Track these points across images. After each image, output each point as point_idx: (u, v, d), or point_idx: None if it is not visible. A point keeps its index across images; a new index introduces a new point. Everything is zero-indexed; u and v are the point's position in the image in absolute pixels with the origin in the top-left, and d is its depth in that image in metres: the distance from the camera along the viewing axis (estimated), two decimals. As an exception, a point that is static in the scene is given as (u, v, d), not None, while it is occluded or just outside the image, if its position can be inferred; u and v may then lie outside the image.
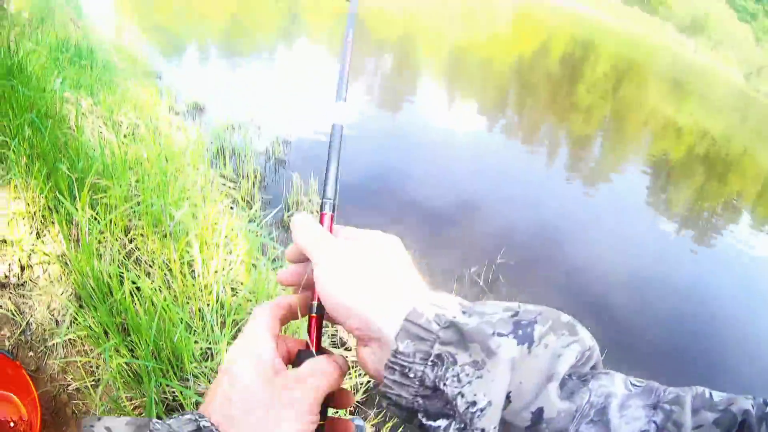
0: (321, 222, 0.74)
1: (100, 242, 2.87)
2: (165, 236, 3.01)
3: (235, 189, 5.36)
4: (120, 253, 2.86)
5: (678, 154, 14.53)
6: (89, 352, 2.55)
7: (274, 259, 3.69)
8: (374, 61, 14.52)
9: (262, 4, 18.94)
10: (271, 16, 17.12)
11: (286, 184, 5.54)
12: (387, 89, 12.01)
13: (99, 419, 0.55)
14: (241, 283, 3.22)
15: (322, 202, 0.76)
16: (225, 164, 5.72)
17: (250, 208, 4.69)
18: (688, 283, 7.41)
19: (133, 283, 2.50)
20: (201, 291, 2.84)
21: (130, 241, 3.07)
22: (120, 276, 2.55)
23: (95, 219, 2.93)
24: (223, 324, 2.74)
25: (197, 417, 0.61)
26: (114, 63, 7.56)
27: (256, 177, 5.70)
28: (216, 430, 0.60)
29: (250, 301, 3.07)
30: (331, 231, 0.74)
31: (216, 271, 2.99)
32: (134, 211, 3.13)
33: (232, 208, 4.31)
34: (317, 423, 0.66)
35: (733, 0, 61.96)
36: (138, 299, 2.44)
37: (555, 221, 7.49)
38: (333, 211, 0.76)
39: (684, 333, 6.13)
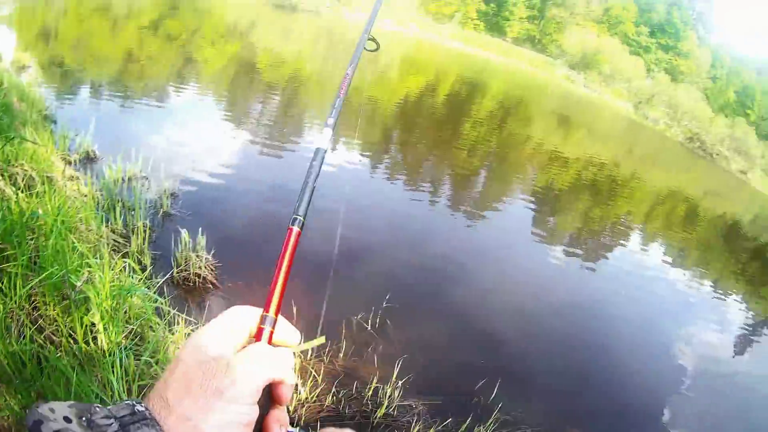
0: (288, 237, 0.81)
1: (7, 316, 2.89)
2: (68, 305, 3.06)
3: (126, 245, 5.28)
4: (30, 328, 2.90)
5: (564, 183, 15.04)
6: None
7: (168, 322, 3.81)
8: (261, 102, 14.28)
9: (157, 46, 18.67)
10: (166, 59, 16.63)
11: (175, 239, 5.44)
12: (273, 131, 11.67)
13: (46, 401, 0.58)
14: (142, 347, 3.28)
15: (292, 218, 0.83)
16: (116, 218, 5.63)
17: (140, 264, 4.87)
18: (580, 303, 7.63)
19: (45, 358, 2.61)
20: (105, 358, 2.89)
21: (34, 309, 3.10)
22: (31, 351, 2.66)
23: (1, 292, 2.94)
24: (129, 391, 2.82)
25: (134, 402, 0.63)
26: (13, 104, 7.16)
27: (145, 232, 5.55)
28: (149, 414, 0.62)
29: (153, 366, 3.13)
30: (295, 246, 0.81)
31: (117, 338, 3.08)
32: (39, 281, 3.11)
33: (124, 268, 4.21)
34: (251, 416, 0.66)
35: (626, 36, 66.67)
36: (50, 374, 2.53)
37: (441, 259, 7.62)
38: (301, 228, 0.83)
39: (579, 352, 6.43)
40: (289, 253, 0.80)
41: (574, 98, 44.88)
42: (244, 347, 0.71)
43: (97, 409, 0.60)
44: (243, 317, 0.75)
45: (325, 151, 0.92)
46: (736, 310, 11.03)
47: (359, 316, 5.38)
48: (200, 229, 5.49)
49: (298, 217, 0.82)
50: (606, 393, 5.92)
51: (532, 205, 11.81)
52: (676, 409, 6.04)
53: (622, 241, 12.08)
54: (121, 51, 16.10)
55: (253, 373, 0.67)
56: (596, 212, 13.89)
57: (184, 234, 5.36)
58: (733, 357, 8.74)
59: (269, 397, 0.72)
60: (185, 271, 5.21)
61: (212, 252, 5.40)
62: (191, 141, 9.41)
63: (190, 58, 17.62)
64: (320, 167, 0.89)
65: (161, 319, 3.71)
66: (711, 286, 11.79)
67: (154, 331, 3.47)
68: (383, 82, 22.59)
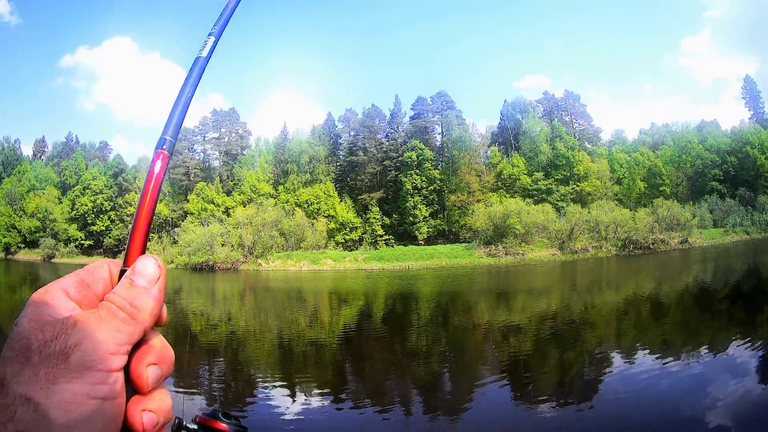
0: (154, 161, 0.73)
1: None
2: None
3: None
4: None
5: (527, 348, 15.27)
6: None
7: None
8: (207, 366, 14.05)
9: None
10: None
11: None
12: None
13: None
14: None
15: (160, 139, 0.74)
16: None
17: None
18: None
19: None
20: None
21: None
22: None
23: None
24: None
25: None
26: None
27: None
28: None
29: None
30: (162, 172, 0.74)
31: None
32: None
33: None
34: (109, 388, 0.59)
35: (525, 189, 70.41)
36: None
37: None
38: (170, 153, 0.74)
39: None
40: (153, 182, 0.72)
41: (502, 271, 46.41)
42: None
43: None
44: (97, 271, 0.67)
45: (206, 60, 0.84)
46: (744, 352, 11.89)
47: None
48: None
49: (167, 138, 0.73)
50: None
51: (506, 382, 11.73)
52: None
53: (605, 368, 12.17)
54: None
55: (111, 327, 0.60)
56: (570, 356, 14.00)
57: None
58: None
59: (129, 377, 0.64)
60: None
61: None
62: None
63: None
64: (198, 78, 0.81)
65: None
66: (708, 350, 12.60)
67: None
68: (317, 322, 22.80)
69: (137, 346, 0.64)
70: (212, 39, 0.87)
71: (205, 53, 0.83)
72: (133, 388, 0.63)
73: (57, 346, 0.55)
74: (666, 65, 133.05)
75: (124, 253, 0.68)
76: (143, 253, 0.68)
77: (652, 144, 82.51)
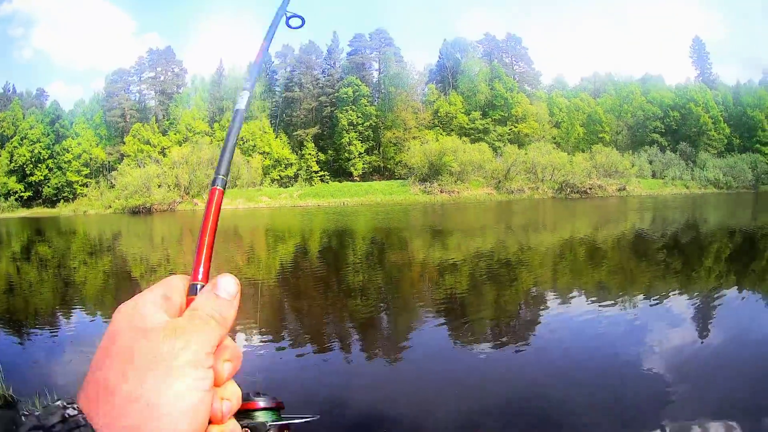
0: (211, 197, 0.85)
1: None
2: None
3: None
4: None
5: (462, 287, 15.55)
6: None
7: None
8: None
9: (34, 274, 20.13)
10: (47, 287, 16.18)
11: None
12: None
13: None
14: None
15: (214, 178, 0.86)
16: None
17: None
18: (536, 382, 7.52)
19: None
20: None
21: None
22: None
23: None
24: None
25: (65, 404, 0.58)
26: None
27: None
28: (82, 420, 0.57)
29: None
30: (219, 205, 0.86)
31: None
32: None
33: None
34: (211, 381, 0.65)
35: (462, 128, 70.52)
36: None
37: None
38: (224, 188, 0.87)
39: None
40: (213, 213, 0.83)
41: (437, 208, 46.92)
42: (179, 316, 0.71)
43: (23, 419, 0.56)
44: (173, 284, 0.76)
45: (245, 111, 0.96)
46: (680, 302, 12.25)
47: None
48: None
49: (220, 176, 0.85)
50: None
51: (443, 321, 12.00)
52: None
53: (542, 310, 12.51)
54: (1, 283, 16.99)
55: (206, 331, 0.67)
56: (506, 295, 14.38)
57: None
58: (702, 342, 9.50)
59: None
60: None
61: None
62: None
63: (68, 282, 18.22)
64: (239, 127, 0.93)
65: None
66: (645, 297, 12.93)
67: None
68: (254, 260, 22.82)
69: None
70: (247, 93, 1.00)
71: (243, 106, 0.96)
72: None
73: (165, 349, 0.60)
74: (611, 5, 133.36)
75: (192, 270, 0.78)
76: (208, 272, 0.78)
77: (593, 92, 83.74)
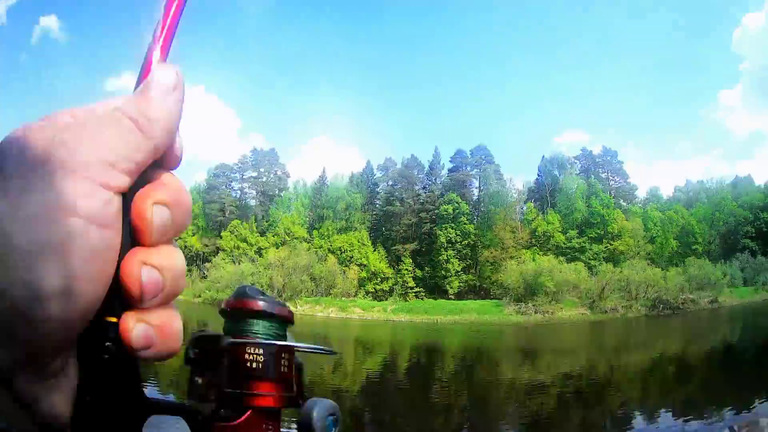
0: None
1: None
2: None
3: None
4: None
5: (549, 407, 15.14)
6: None
7: None
8: None
9: None
10: None
11: None
12: None
13: None
14: None
15: None
16: None
17: None
18: None
19: None
20: None
21: None
22: None
23: None
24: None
25: None
26: None
27: None
28: None
29: None
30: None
31: None
32: None
33: None
34: (103, 203, 0.45)
35: (558, 247, 69.57)
36: None
37: None
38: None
39: None
40: (175, 6, 0.53)
41: (530, 328, 45.96)
42: None
43: None
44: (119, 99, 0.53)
45: None
46: None
47: None
48: None
49: None
50: None
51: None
52: None
53: (628, 429, 12.08)
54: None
55: (105, 136, 0.47)
56: (592, 415, 13.92)
57: None
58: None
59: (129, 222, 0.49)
60: None
61: None
62: None
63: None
64: None
65: None
66: (732, 410, 12.38)
67: None
68: (341, 370, 22.69)
69: (144, 181, 0.50)
70: None
71: None
72: (133, 238, 0.49)
73: (39, 148, 0.44)
74: (703, 119, 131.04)
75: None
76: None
77: (686, 201, 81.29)
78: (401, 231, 79.37)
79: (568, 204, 73.94)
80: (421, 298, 69.24)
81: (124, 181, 0.47)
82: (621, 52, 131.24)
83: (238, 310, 0.64)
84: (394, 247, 76.83)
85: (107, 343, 0.48)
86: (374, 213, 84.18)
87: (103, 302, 0.47)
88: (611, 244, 70.04)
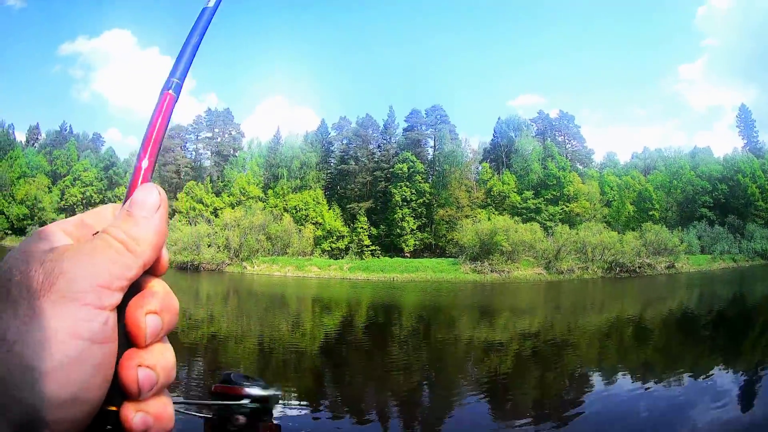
0: (162, 103, 0.66)
1: None
2: None
3: None
4: None
5: (507, 366, 15.31)
6: None
7: None
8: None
9: None
10: None
11: None
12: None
13: None
14: None
15: (167, 81, 0.68)
16: None
17: None
18: None
19: None
20: None
21: None
22: None
23: None
24: None
25: None
26: None
27: None
28: None
29: None
30: (168, 114, 0.66)
31: None
32: None
33: None
34: (99, 327, 0.51)
35: (514, 207, 70.33)
36: None
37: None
38: (177, 94, 0.68)
39: None
40: (160, 121, 0.66)
41: (486, 287, 46.56)
42: None
43: None
44: (101, 212, 0.64)
45: (214, 11, 0.78)
46: (725, 378, 12.22)
47: None
48: None
49: (174, 80, 0.68)
50: None
51: (484, 398, 11.78)
52: None
53: (586, 389, 12.26)
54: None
55: (104, 257, 0.53)
56: (550, 375, 14.11)
57: None
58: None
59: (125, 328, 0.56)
60: None
61: None
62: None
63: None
64: (206, 28, 0.76)
65: None
66: (690, 374, 12.73)
67: None
68: (299, 329, 22.86)
69: (136, 291, 0.57)
70: None
71: (211, 4, 0.78)
72: (128, 341, 0.55)
73: (41, 276, 0.49)
74: (661, 90, 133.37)
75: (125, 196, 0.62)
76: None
77: (643, 168, 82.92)
78: (356, 189, 79.02)
79: (524, 165, 74.50)
80: (377, 257, 69.44)
81: (117, 299, 0.53)
82: (577, 18, 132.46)
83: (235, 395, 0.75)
84: (349, 206, 76.58)
85: (108, 427, 0.54)
86: (329, 172, 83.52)
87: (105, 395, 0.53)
88: (567, 206, 71.01)
